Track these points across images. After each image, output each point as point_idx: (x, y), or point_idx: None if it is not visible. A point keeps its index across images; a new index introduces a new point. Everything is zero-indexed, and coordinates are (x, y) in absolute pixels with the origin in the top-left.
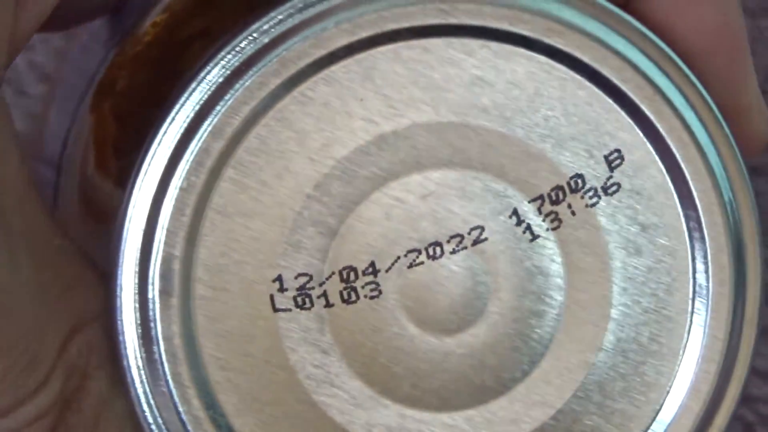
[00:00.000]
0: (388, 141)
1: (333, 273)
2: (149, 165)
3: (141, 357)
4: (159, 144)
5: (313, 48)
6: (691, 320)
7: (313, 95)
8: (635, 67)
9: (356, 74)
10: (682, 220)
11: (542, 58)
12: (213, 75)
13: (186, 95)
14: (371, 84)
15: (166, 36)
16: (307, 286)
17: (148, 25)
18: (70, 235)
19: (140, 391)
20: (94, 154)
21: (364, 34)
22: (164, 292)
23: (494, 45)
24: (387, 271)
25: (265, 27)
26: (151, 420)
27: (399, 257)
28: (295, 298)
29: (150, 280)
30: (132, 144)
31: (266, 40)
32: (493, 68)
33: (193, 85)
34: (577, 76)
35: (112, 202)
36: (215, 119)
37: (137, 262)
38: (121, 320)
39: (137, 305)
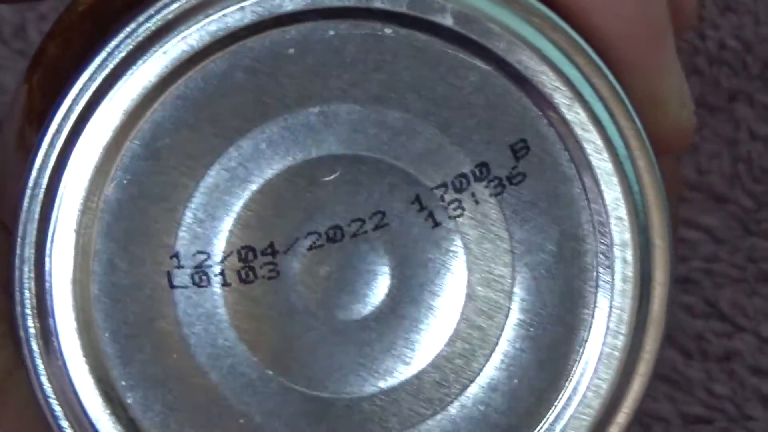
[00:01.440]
0: (289, 122)
1: (231, 252)
2: (51, 135)
3: (36, 328)
4: (63, 115)
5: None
6: (593, 315)
7: (217, 72)
8: (543, 56)
9: (260, 53)
10: (587, 212)
11: (449, 46)
12: (120, 46)
13: (92, 67)
14: (275, 65)
15: (101, 6)
16: (205, 264)
17: None
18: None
19: (36, 362)
20: (27, 121)
21: (270, 13)
22: (59, 264)
23: (400, 30)
24: (286, 252)
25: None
26: (48, 392)
27: (298, 239)
28: (192, 276)
29: (47, 252)
30: None
31: (170, 17)
32: (398, 53)
33: (102, 54)
34: (484, 65)
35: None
36: (119, 92)
37: (35, 233)
38: (17, 290)
39: (33, 276)
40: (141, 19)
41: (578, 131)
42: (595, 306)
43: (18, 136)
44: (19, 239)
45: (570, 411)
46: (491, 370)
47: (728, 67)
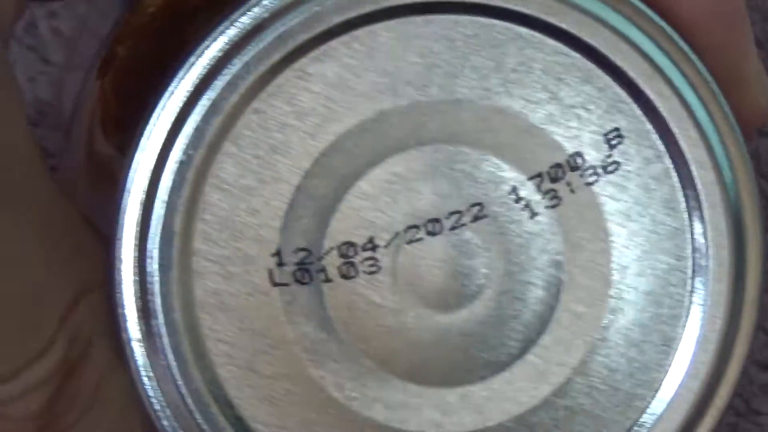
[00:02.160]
0: (387, 117)
1: (332, 248)
2: (148, 139)
3: (140, 330)
4: (158, 118)
5: (312, 23)
6: (690, 300)
7: (312, 71)
8: (633, 45)
9: (355, 50)
10: (682, 199)
11: (540, 36)
12: (212, 49)
13: (185, 69)
14: (370, 60)
15: (170, 7)
16: (306, 261)
17: None
18: (76, 202)
19: (140, 363)
20: (99, 125)
21: (363, 9)
22: (163, 266)
23: (495, 23)
24: (386, 246)
25: (265, 1)
26: (151, 393)
27: (398, 233)
28: (293, 273)
29: (149, 254)
30: (133, 117)
31: (266, 15)
32: (493, 46)
33: (192, 59)
34: (576, 54)
35: (114, 171)
36: (214, 94)
37: (136, 235)
38: (121, 293)
39: (137, 278)
40: (231, 19)
41: (670, 118)
42: (692, 290)
43: (89, 139)
44: (118, 241)
45: (670, 394)
46: (591, 357)
47: None
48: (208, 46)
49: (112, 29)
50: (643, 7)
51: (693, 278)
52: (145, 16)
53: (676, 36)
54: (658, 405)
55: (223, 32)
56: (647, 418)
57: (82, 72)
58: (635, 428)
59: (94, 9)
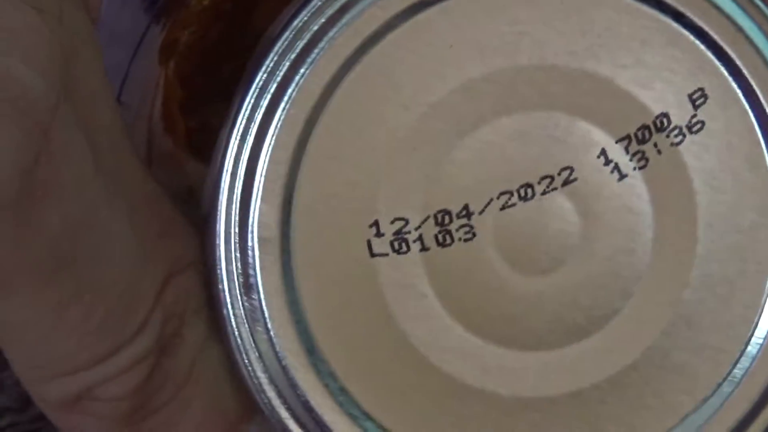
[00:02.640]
0: (477, 86)
1: (428, 217)
2: (245, 114)
3: (242, 305)
4: (255, 93)
5: None
6: None
7: (404, 42)
8: (718, 8)
9: (445, 21)
10: (766, 155)
11: (628, 1)
12: (307, 23)
13: (278, 45)
14: (459, 30)
15: None
16: (403, 230)
17: None
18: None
19: (240, 339)
20: (163, 116)
21: None
22: (263, 240)
23: None
24: (480, 213)
25: None
26: (252, 367)
27: (492, 199)
28: (391, 243)
29: (250, 229)
30: (199, 102)
31: None
32: (579, 11)
33: (286, 34)
34: (662, 17)
35: (181, 162)
36: (311, 68)
37: (237, 211)
38: (221, 269)
39: (238, 254)
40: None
41: (752, 78)
42: None
43: (166, 124)
44: (218, 218)
45: (756, 349)
46: (679, 315)
47: None
48: (303, 20)
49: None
50: None
51: None
52: (209, 1)
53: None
54: (745, 360)
55: (319, 5)
56: (737, 373)
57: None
58: (725, 383)
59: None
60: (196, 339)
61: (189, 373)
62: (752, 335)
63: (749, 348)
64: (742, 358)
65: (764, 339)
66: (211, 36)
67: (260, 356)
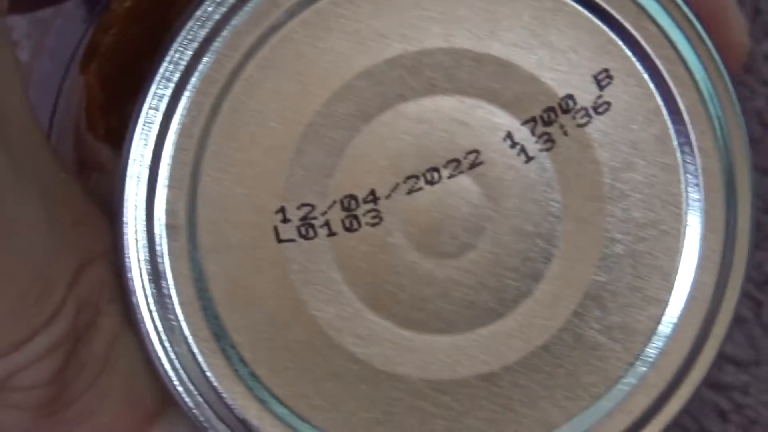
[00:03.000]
0: (381, 70)
1: (334, 202)
2: (150, 104)
3: (150, 293)
4: (158, 83)
5: None
6: (685, 233)
7: (308, 29)
8: None
9: (348, 6)
10: (672, 135)
11: None
12: (208, 13)
13: (183, 34)
14: (363, 16)
15: None
16: (310, 216)
17: None
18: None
19: (150, 326)
20: (85, 115)
21: None
22: (171, 227)
23: None
24: (387, 198)
25: None
26: (162, 354)
27: (398, 184)
28: (298, 228)
29: (156, 216)
30: (119, 102)
31: None
32: None
33: (189, 23)
34: None
35: (102, 158)
36: (214, 56)
37: (144, 198)
38: (129, 257)
39: (145, 242)
40: None
41: (657, 57)
42: (686, 224)
43: (88, 125)
44: (125, 206)
45: (670, 328)
46: (589, 297)
47: None
48: (206, 8)
49: (94, 21)
50: None
51: (686, 212)
52: (129, 2)
53: None
54: (658, 340)
55: (212, 4)
56: (650, 353)
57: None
58: (638, 362)
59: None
60: (111, 328)
61: (105, 361)
62: (664, 315)
63: (661, 327)
64: (655, 338)
65: (678, 318)
66: (130, 37)
67: (170, 343)
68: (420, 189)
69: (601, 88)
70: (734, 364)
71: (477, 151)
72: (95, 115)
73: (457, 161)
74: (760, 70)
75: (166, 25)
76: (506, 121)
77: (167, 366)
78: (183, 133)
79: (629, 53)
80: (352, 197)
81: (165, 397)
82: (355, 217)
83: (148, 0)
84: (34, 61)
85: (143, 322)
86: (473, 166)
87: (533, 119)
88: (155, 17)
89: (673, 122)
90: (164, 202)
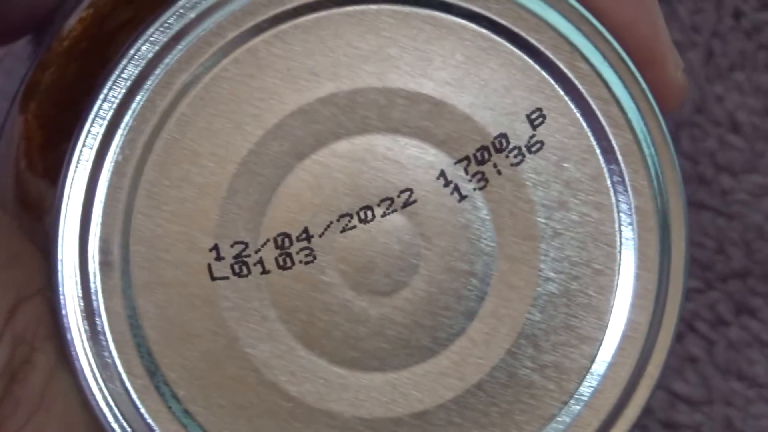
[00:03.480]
0: (315, 108)
1: (268, 240)
2: (84, 141)
3: (84, 330)
4: (92, 121)
5: (238, 21)
6: (619, 272)
7: (241, 67)
8: (551, 27)
9: (281, 45)
10: (606, 174)
11: (461, 21)
12: (142, 51)
13: (116, 73)
14: (296, 55)
15: (93, 29)
16: (243, 253)
17: (74, 22)
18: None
19: (84, 363)
20: (25, 154)
21: (287, 5)
22: (104, 264)
23: (417, 11)
24: (320, 236)
25: (191, 3)
26: (95, 391)
27: (331, 222)
28: (232, 266)
29: (90, 254)
30: (57, 140)
31: (192, 15)
32: (415, 34)
33: (123, 62)
34: (497, 38)
35: (43, 198)
36: (146, 95)
37: (77, 236)
38: (63, 294)
39: (78, 279)
40: (159, 23)
41: (590, 97)
42: (620, 263)
43: (16, 169)
44: (59, 244)
45: (604, 367)
46: (523, 336)
47: None
48: (138, 49)
49: (35, 59)
50: None
51: (620, 251)
52: (69, 40)
53: (592, 18)
54: (592, 379)
55: (152, 35)
56: (584, 391)
57: None
58: (572, 401)
59: (2, 69)
60: (47, 365)
61: (41, 399)
62: (598, 353)
63: (595, 366)
64: (589, 377)
65: (612, 357)
66: (69, 75)
67: (104, 380)
68: (353, 227)
69: (534, 127)
70: (687, 403)
71: (410, 190)
72: (34, 153)
73: (391, 200)
74: (712, 111)
75: (104, 64)
76: (440, 159)
77: (102, 403)
78: (116, 171)
79: (562, 93)
80: (286, 235)
81: None
82: (289, 255)
83: (86, 39)
84: None
85: (77, 359)
86: (406, 204)
87: (467, 158)
88: (94, 56)
89: (607, 161)
90: (98, 239)
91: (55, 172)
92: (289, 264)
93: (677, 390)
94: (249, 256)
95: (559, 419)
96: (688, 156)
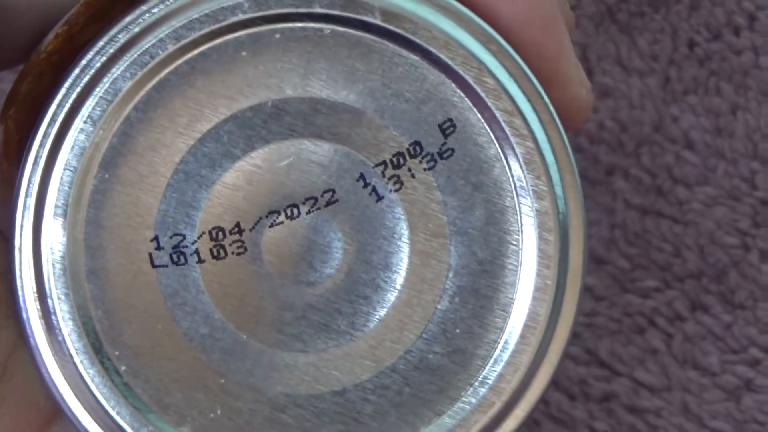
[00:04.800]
0: (246, 115)
1: (203, 233)
2: (40, 142)
3: (37, 310)
4: (48, 124)
5: (178, 35)
6: (521, 268)
7: (180, 77)
8: (462, 45)
9: (216, 58)
10: (510, 179)
11: (380, 40)
12: (93, 62)
13: (71, 80)
14: (229, 67)
15: (66, 43)
16: (181, 244)
17: (51, 36)
18: None
19: (38, 340)
20: (4, 156)
21: (223, 22)
22: (56, 252)
23: (338, 29)
24: (251, 230)
25: (138, 20)
26: (48, 365)
27: (261, 218)
28: (170, 255)
29: (43, 243)
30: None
31: (137, 30)
32: (338, 50)
33: (76, 71)
34: (412, 55)
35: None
36: (95, 100)
37: (31, 226)
38: (21, 278)
39: (32, 265)
40: (108, 36)
41: (496, 109)
42: (520, 261)
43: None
44: (16, 233)
45: (508, 354)
46: (434, 324)
47: (606, 145)
48: (90, 59)
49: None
50: (470, 13)
51: (522, 249)
52: (45, 53)
53: (500, 38)
54: (496, 364)
55: (102, 47)
56: (489, 375)
57: None
58: (477, 383)
59: None
60: (8, 340)
61: (3, 370)
62: (501, 341)
63: (498, 353)
64: (493, 362)
65: (514, 345)
66: (43, 84)
67: (55, 355)
68: (281, 223)
69: (445, 136)
70: (649, 390)
71: (332, 190)
72: (11, 154)
73: (315, 199)
74: (669, 130)
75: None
76: (359, 163)
77: (54, 375)
78: (67, 168)
79: (471, 105)
80: (220, 229)
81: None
82: (222, 246)
83: (58, 52)
84: None
85: (32, 337)
86: (329, 203)
87: (384, 163)
88: (64, 67)
89: (510, 168)
90: (50, 230)
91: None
92: (222, 255)
93: (640, 378)
94: (186, 246)
95: (465, 400)
96: (648, 170)
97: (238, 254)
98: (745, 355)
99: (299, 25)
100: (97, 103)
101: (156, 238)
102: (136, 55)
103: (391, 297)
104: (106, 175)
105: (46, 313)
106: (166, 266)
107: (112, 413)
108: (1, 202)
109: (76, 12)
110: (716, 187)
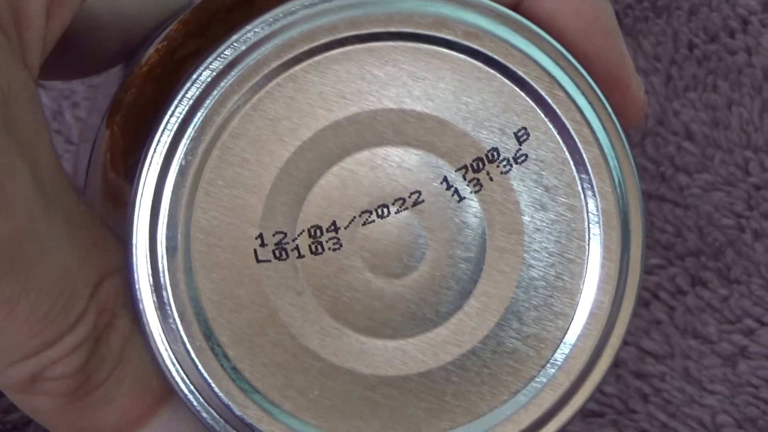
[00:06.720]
0: (342, 125)
1: (303, 231)
2: (155, 149)
3: (153, 301)
4: (162, 132)
5: (280, 53)
6: (588, 261)
7: (282, 90)
8: (535, 62)
9: (315, 73)
10: (577, 181)
11: (462, 57)
12: (203, 76)
13: (182, 93)
14: (327, 81)
15: (167, 58)
16: (283, 241)
17: (152, 51)
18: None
19: (153, 328)
20: (110, 158)
21: (320, 41)
22: (170, 249)
23: (424, 47)
24: (345, 228)
25: (243, 38)
26: (162, 351)
27: (355, 217)
28: (273, 251)
29: (158, 240)
30: (136, 148)
31: (243, 48)
32: (424, 65)
33: (188, 85)
34: (491, 70)
35: (123, 193)
36: (205, 111)
37: (148, 225)
38: (137, 272)
39: (149, 260)
40: (216, 53)
41: (565, 119)
42: (588, 254)
43: (103, 172)
44: (134, 231)
45: (574, 338)
46: (509, 313)
47: None
48: (200, 74)
49: (120, 83)
50: (541, 32)
51: (589, 244)
52: (147, 66)
53: (568, 54)
54: (565, 347)
55: (211, 63)
56: (558, 357)
57: (89, 143)
58: (548, 365)
59: (100, 92)
60: (125, 328)
61: (120, 356)
62: (569, 327)
63: (567, 337)
64: (562, 346)
65: (581, 330)
66: (146, 95)
67: (168, 342)
68: (372, 221)
69: (520, 143)
70: (653, 357)
71: (419, 192)
72: (117, 158)
73: (403, 199)
74: (671, 123)
75: (174, 86)
76: (443, 168)
77: (167, 361)
78: (180, 173)
79: (543, 115)
80: (318, 227)
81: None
82: (320, 243)
83: (161, 65)
84: (87, 118)
85: (148, 325)
86: (416, 203)
87: (465, 167)
88: (166, 79)
89: (578, 171)
90: (165, 228)
91: (133, 173)
92: (320, 250)
93: (645, 346)
94: (287, 243)
95: (538, 380)
96: (653, 159)
97: (335, 250)
98: (741, 325)
99: (390, 43)
100: (206, 115)
101: (260, 236)
102: (242, 71)
103: (472, 288)
104: (215, 180)
105: (161, 304)
106: (269, 261)
107: (221, 394)
108: (104, 209)
109: (175, 29)
110: (714, 174)
